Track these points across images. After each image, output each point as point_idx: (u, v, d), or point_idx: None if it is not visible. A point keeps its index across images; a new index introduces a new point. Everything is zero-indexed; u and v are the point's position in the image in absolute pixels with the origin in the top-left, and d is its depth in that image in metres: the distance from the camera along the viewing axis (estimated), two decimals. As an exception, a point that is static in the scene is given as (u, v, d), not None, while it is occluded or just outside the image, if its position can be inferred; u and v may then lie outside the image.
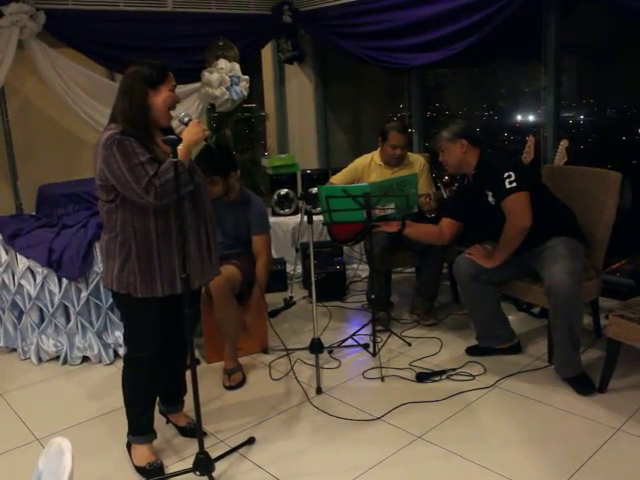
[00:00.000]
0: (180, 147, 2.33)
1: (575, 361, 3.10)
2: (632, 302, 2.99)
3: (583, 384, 3.07)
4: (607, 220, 3.35)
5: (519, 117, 5.46)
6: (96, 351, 3.70)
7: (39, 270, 3.65)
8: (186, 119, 2.45)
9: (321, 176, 5.07)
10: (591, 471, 2.45)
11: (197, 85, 5.05)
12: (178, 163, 2.26)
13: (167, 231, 2.43)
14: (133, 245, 2.41)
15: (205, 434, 2.83)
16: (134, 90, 2.39)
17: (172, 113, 2.49)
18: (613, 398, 2.98)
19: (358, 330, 3.90)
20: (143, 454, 2.63)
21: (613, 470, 2.46)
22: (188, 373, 2.53)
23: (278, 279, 4.77)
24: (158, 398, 2.88)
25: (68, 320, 3.74)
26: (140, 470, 2.60)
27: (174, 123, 2.54)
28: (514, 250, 3.19)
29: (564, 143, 3.93)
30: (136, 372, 2.61)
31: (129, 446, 2.70)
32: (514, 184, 3.09)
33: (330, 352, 3.70)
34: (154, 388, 2.69)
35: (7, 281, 3.78)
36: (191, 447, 2.70)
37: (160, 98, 2.41)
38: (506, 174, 3.10)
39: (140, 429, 2.66)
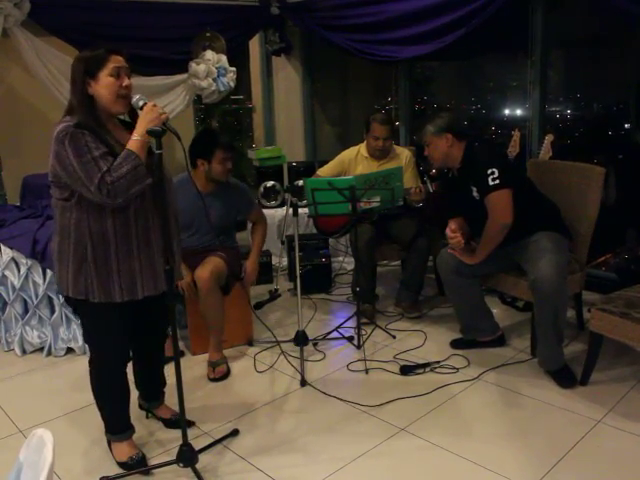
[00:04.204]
0: (135, 137, 2.21)
1: (558, 354, 3.13)
2: (614, 296, 3.01)
3: (565, 377, 3.09)
4: (591, 214, 3.37)
5: (506, 111, 5.48)
6: (80, 343, 3.68)
7: (23, 261, 3.63)
8: (141, 103, 2.27)
9: (307, 169, 5.07)
10: (572, 462, 2.48)
11: (184, 76, 5.02)
12: (133, 155, 2.16)
13: (126, 232, 2.30)
14: (89, 247, 2.27)
15: (193, 423, 2.86)
16: (76, 81, 2.26)
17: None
18: (594, 391, 3.02)
19: (343, 322, 3.91)
20: (123, 450, 2.60)
21: (593, 461, 2.48)
22: (168, 366, 2.52)
23: (263, 271, 4.76)
24: (138, 393, 2.87)
25: (52, 311, 3.73)
26: (122, 465, 2.57)
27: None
28: (496, 246, 3.20)
29: (549, 138, 3.95)
30: (101, 376, 2.54)
31: (109, 443, 2.66)
32: (497, 181, 3.09)
33: (315, 344, 3.70)
34: (122, 389, 2.58)
35: (-10, 272, 3.75)
36: (175, 439, 2.69)
37: (101, 87, 2.25)
38: (489, 170, 3.09)
39: (116, 428, 2.61)
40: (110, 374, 2.53)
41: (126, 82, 2.30)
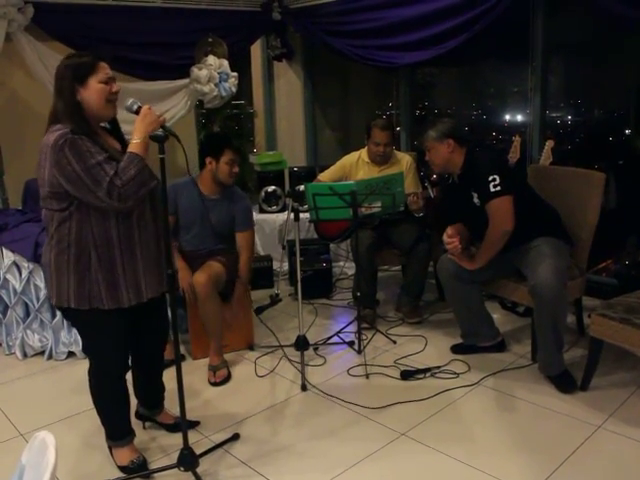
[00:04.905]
0: (136, 140, 2.21)
1: (558, 359, 3.13)
2: (614, 301, 3.02)
3: (565, 382, 3.10)
4: (591, 220, 3.37)
5: (507, 117, 5.49)
6: (81, 346, 3.68)
7: (25, 265, 3.64)
8: (135, 107, 2.27)
9: (308, 173, 5.08)
10: (572, 468, 2.48)
11: (185, 81, 5.03)
12: (138, 158, 2.17)
13: (129, 235, 2.30)
14: (93, 254, 2.25)
15: (198, 422, 2.88)
16: (63, 88, 2.23)
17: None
18: (595, 396, 3.02)
19: (344, 327, 3.92)
20: (124, 454, 2.59)
21: (593, 467, 2.49)
22: (168, 370, 2.51)
23: (264, 276, 4.78)
24: (137, 401, 2.85)
25: (54, 315, 3.73)
26: (123, 469, 2.57)
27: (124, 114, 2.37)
28: (496, 253, 3.21)
29: (549, 143, 3.95)
30: (101, 385, 2.52)
31: (110, 448, 2.65)
32: (498, 188, 3.10)
33: (315, 349, 3.71)
34: (123, 396, 2.56)
35: (-8, 276, 3.76)
36: (176, 444, 2.69)
37: (91, 93, 2.23)
38: (491, 177, 3.10)
39: (117, 434, 2.60)
40: (111, 382, 2.52)
41: (115, 88, 2.31)
